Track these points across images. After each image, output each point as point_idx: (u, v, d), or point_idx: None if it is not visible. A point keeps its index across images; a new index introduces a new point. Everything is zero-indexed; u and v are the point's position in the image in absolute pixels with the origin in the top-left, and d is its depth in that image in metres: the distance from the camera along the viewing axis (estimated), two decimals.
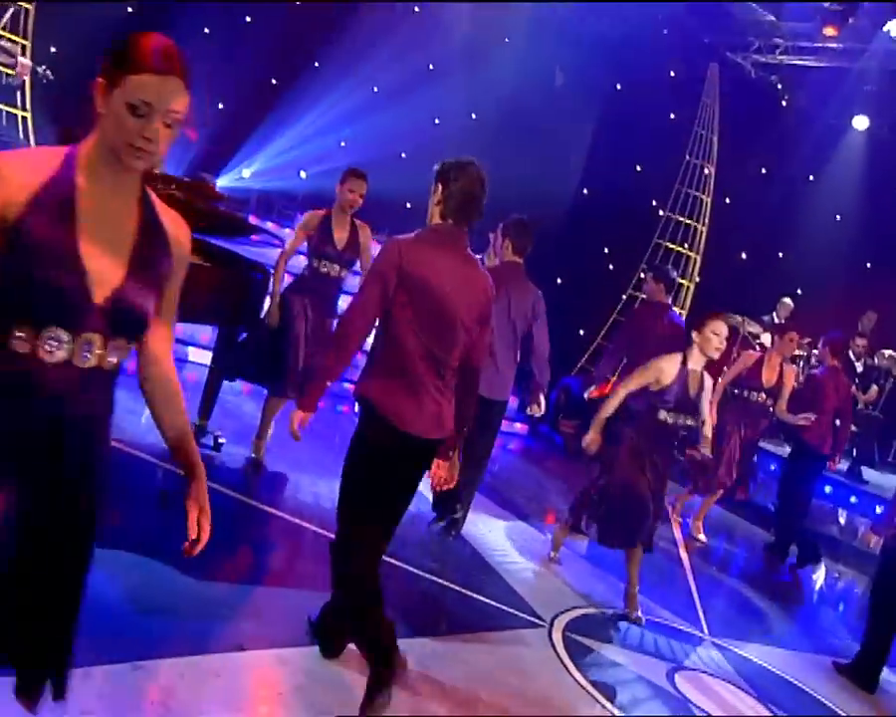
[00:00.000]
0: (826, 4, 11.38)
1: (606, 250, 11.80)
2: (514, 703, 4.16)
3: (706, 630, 5.95)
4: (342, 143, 12.04)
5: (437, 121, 12.77)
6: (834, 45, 12.88)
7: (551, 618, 5.24)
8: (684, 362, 5.37)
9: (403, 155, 12.46)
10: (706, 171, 12.49)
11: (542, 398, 6.20)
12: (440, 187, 3.50)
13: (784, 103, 14.14)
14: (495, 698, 4.13)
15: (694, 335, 5.41)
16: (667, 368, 5.34)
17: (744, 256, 14.27)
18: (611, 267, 12.82)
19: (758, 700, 5.15)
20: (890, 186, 13.56)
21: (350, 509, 3.50)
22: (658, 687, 4.85)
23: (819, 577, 8.39)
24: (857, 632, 6.35)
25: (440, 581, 5.30)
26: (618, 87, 12.16)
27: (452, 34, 12.34)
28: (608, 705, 4.41)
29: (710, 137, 12.41)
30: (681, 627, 5.90)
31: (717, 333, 5.34)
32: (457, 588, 5.28)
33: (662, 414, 5.32)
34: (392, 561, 5.15)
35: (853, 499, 10.64)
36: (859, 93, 13.31)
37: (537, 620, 5.17)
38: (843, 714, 5.37)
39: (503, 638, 4.84)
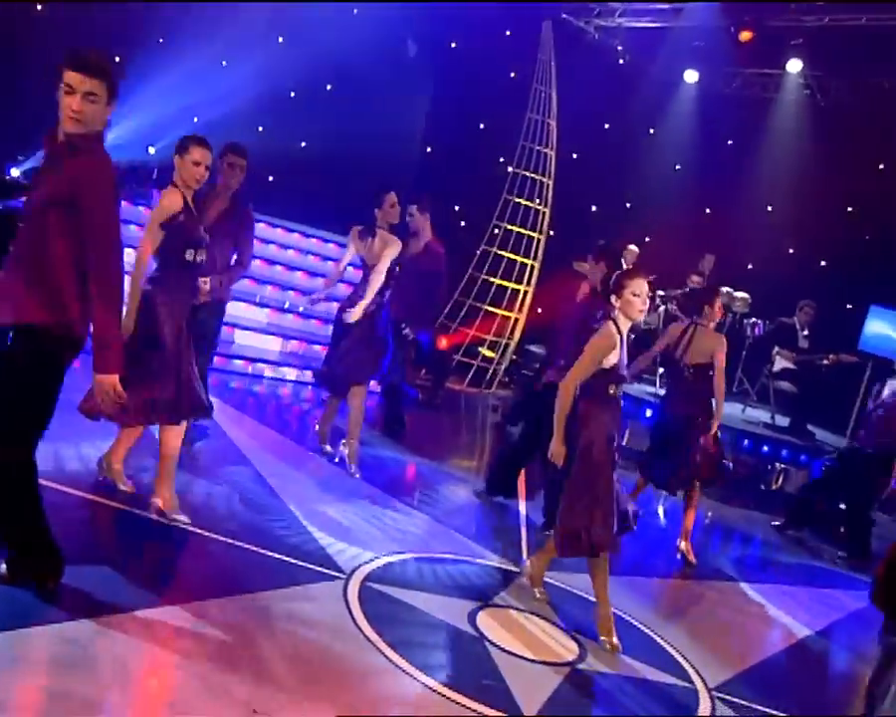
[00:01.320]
0: None
1: (457, 208, 11.26)
2: (286, 657, 3.60)
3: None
4: (195, 119, 11.13)
5: (293, 94, 11.94)
6: (666, 5, 12.64)
7: (351, 570, 4.68)
8: (619, 331, 4.60)
9: (261, 129, 11.65)
10: (548, 126, 12.00)
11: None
12: None
13: (622, 61, 13.78)
14: (266, 652, 3.57)
15: (613, 299, 4.63)
16: (609, 343, 4.56)
17: (594, 208, 13.93)
18: (463, 223, 12.29)
19: (565, 631, 4.69)
20: (720, 134, 13.46)
21: None
22: (452, 627, 4.35)
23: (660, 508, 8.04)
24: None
25: (238, 543, 4.68)
26: (453, 45, 11.52)
27: (301, 7, 11.48)
28: (389, 651, 3.88)
29: (549, 93, 11.91)
30: (502, 566, 5.42)
31: (637, 293, 4.56)
32: (251, 547, 4.67)
33: (612, 389, 4.62)
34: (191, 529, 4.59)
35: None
36: (689, 49, 13.11)
37: (337, 574, 4.60)
38: (657, 636, 4.97)
39: (290, 595, 4.24)
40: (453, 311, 11.71)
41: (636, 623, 5.07)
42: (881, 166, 12.31)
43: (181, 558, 4.53)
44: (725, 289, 11.87)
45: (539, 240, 12.07)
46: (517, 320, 12.01)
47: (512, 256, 12.00)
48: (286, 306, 10.25)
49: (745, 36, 12.20)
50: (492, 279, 11.90)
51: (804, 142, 12.77)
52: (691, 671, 4.65)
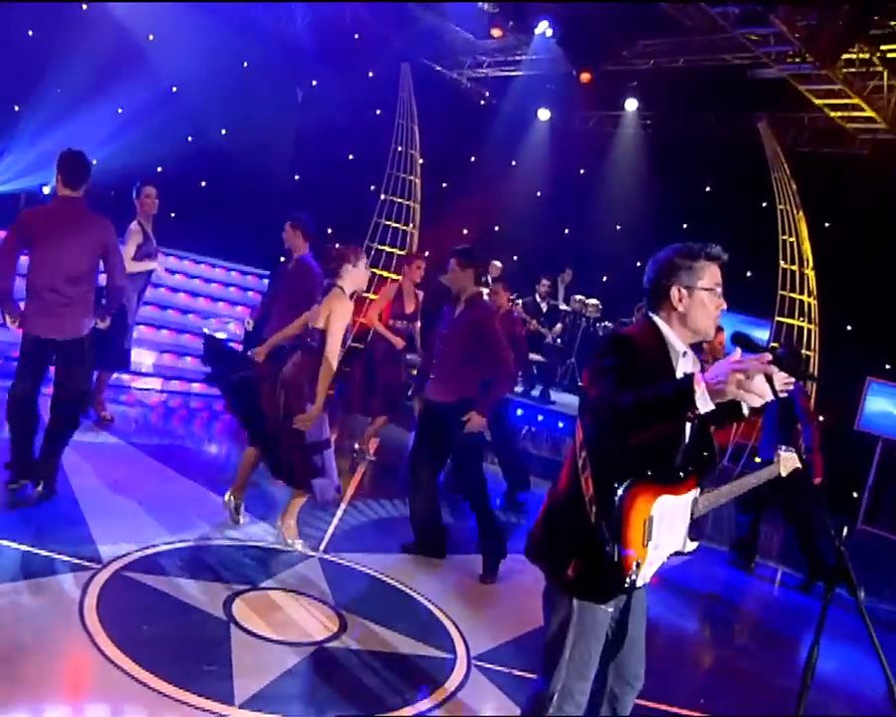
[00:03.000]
0: (485, 7, 10.77)
1: (330, 231, 10.82)
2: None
3: (322, 548, 4.99)
4: (94, 161, 10.47)
5: (190, 138, 11.30)
6: (525, 57, 12.52)
7: (109, 560, 4.11)
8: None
9: (160, 169, 11.01)
10: (412, 157, 11.68)
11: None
12: None
13: (482, 102, 13.61)
14: None
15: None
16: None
17: (465, 231, 13.63)
18: (338, 246, 11.78)
19: (333, 608, 4.20)
20: (574, 165, 13.44)
21: None
22: (200, 613, 3.82)
23: None
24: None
25: None
26: (314, 83, 11.15)
27: (192, 61, 10.85)
28: (110, 645, 3.33)
29: (411, 127, 11.64)
30: (278, 547, 4.89)
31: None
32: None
33: None
34: None
35: (540, 417, 10.08)
36: (543, 90, 13.03)
37: (91, 565, 4.03)
38: (438, 610, 4.50)
39: (27, 588, 3.67)
40: None
41: (420, 598, 4.60)
42: (707, 188, 12.30)
43: None
44: (578, 297, 11.74)
45: None
46: None
47: (384, 273, 11.61)
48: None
49: (585, 77, 12.09)
50: (367, 295, 11.46)
51: (644, 170, 12.76)
52: (459, 642, 4.19)
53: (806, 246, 11.19)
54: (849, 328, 10.90)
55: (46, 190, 10.86)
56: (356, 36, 10.89)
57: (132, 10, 10.41)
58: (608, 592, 2.48)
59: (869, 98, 10.27)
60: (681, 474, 2.50)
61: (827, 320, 11.20)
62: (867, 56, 9.72)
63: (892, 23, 9.05)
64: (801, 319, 11.21)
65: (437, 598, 4.67)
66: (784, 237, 11.24)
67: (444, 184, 13.00)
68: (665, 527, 2.47)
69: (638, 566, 2.40)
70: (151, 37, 11.31)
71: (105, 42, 10.66)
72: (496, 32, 11.13)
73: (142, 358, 9.09)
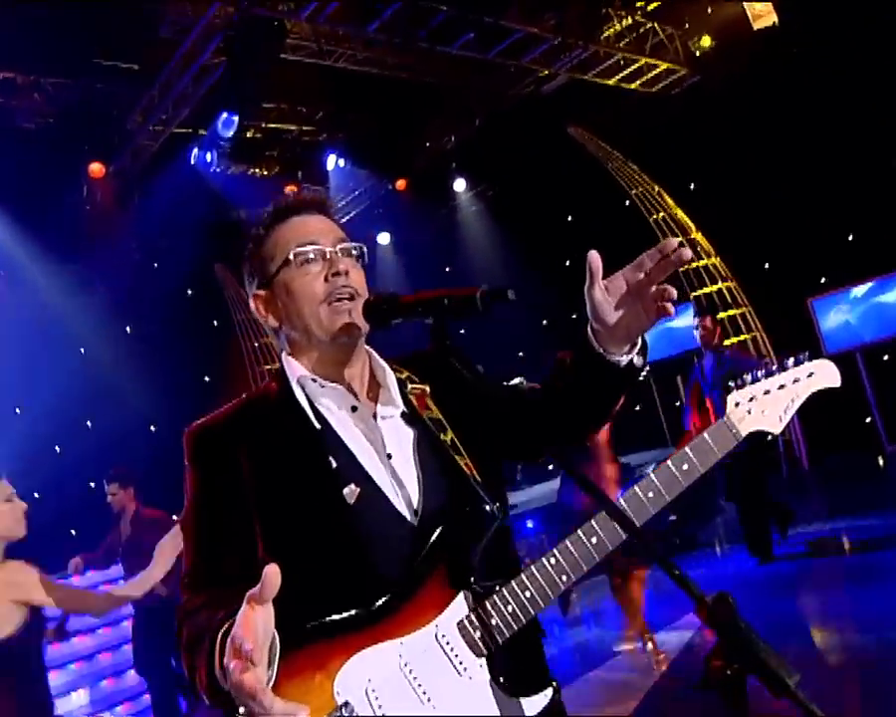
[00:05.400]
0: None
1: None
2: None
3: None
4: None
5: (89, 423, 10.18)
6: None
7: None
8: None
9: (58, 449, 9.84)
10: None
11: None
12: None
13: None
14: None
15: None
16: None
17: None
18: None
19: None
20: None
21: None
22: None
23: None
24: None
25: None
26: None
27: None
28: None
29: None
30: None
31: None
32: None
33: None
34: None
35: None
36: (379, 216, 12.49)
37: None
38: None
39: None
40: None
41: None
42: (569, 218, 11.62)
43: None
44: None
45: None
46: None
47: None
48: None
49: (400, 184, 11.61)
50: None
51: (494, 237, 12.15)
52: None
53: (681, 214, 10.44)
54: (766, 265, 10.00)
55: None
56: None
57: None
58: None
59: (659, 54, 9.88)
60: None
61: (746, 276, 10.33)
62: (630, 20, 9.40)
63: None
64: (729, 309, 10.30)
65: None
66: (655, 216, 10.49)
67: None
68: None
69: None
70: None
71: None
72: (290, 188, 10.59)
73: None
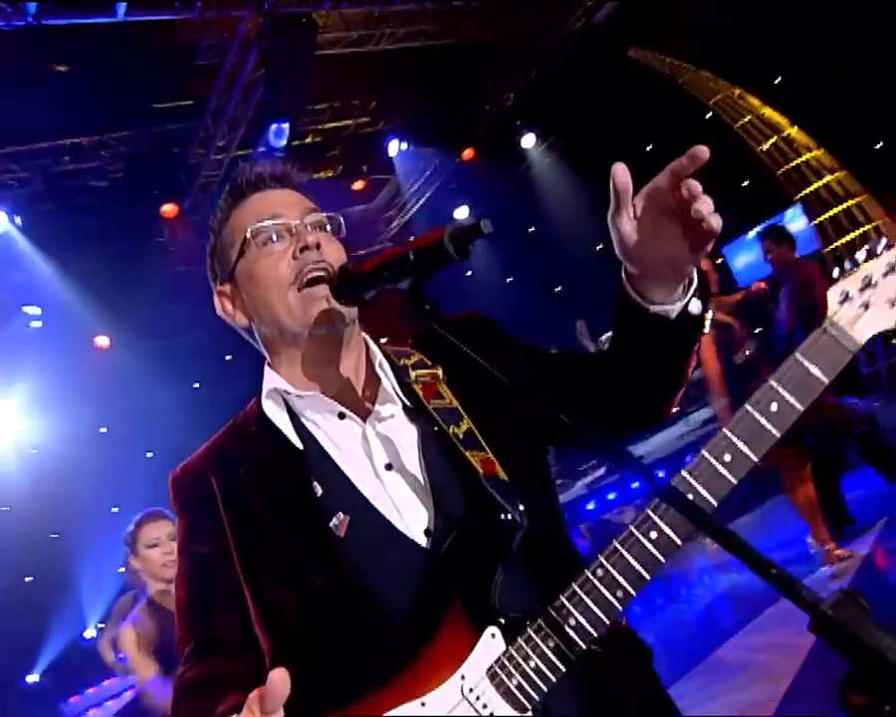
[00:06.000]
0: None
1: None
2: None
3: None
4: None
5: None
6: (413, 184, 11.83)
7: None
8: None
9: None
10: None
11: None
12: None
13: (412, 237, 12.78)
14: None
15: None
16: None
17: None
18: None
19: None
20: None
21: None
22: None
23: None
24: None
25: None
26: None
27: None
28: None
29: None
30: None
31: None
32: None
33: None
34: None
35: None
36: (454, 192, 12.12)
37: None
38: None
39: None
40: None
41: None
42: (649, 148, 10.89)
43: None
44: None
45: None
46: None
47: None
48: None
49: (468, 154, 11.23)
50: None
51: (574, 187, 11.48)
52: None
53: (769, 113, 9.54)
54: (878, 145, 8.98)
55: None
56: None
57: None
58: None
59: None
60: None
61: (856, 163, 9.31)
62: None
63: None
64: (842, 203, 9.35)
65: None
66: (740, 122, 9.64)
67: None
68: None
69: None
70: None
71: None
72: (358, 185, 10.48)
73: None
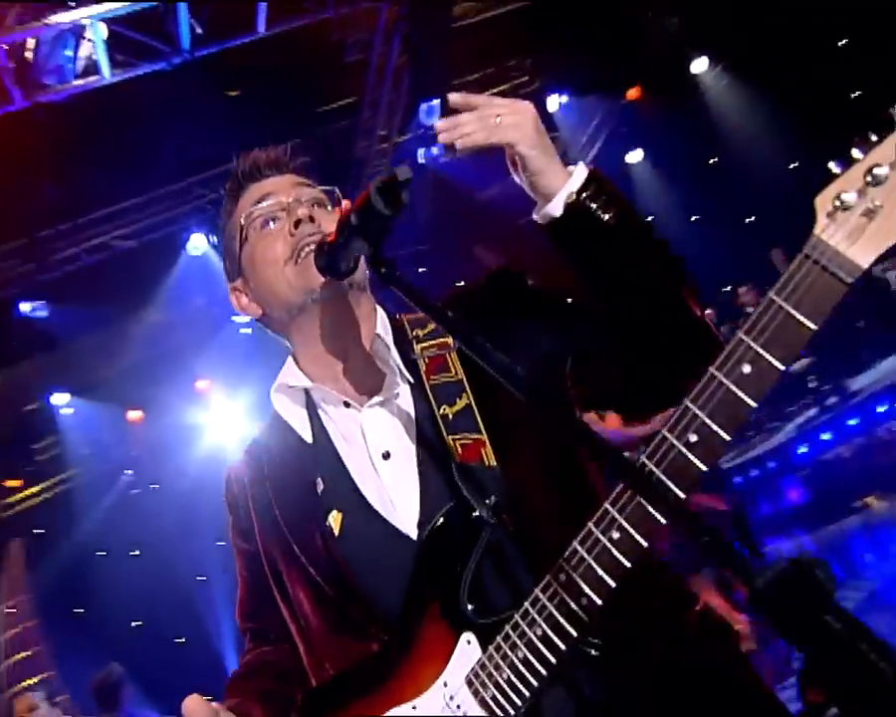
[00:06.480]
0: None
1: None
2: None
3: None
4: None
5: None
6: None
7: None
8: None
9: None
10: None
11: None
12: None
13: None
14: None
15: None
16: None
17: None
18: None
19: None
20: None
21: None
22: None
23: None
24: None
25: None
26: None
27: None
28: None
29: None
30: None
31: None
32: None
33: None
34: None
35: None
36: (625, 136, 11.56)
37: None
38: None
39: None
40: None
41: None
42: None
43: None
44: None
45: None
46: None
47: None
48: None
49: (633, 94, 10.64)
50: None
51: (755, 107, 10.44)
52: None
53: None
54: None
55: None
56: None
57: None
58: None
59: None
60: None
61: None
62: None
63: None
64: None
65: None
66: None
67: None
68: None
69: None
70: None
71: None
72: None
73: None
